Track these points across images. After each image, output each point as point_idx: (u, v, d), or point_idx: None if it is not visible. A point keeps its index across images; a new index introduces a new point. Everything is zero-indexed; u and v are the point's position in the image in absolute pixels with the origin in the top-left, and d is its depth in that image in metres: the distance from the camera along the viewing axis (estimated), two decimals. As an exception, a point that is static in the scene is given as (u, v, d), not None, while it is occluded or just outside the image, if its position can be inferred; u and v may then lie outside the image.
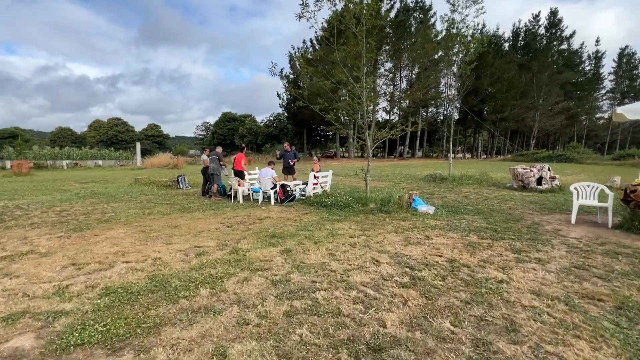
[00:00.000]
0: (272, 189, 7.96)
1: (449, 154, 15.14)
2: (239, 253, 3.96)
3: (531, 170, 11.17)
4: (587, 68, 51.40)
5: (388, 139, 48.30)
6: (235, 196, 8.39)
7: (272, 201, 7.90)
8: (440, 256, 3.83)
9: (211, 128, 77.72)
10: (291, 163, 10.09)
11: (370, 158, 7.93)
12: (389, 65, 43.72)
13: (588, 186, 5.98)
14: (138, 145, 29.51)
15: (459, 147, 64.03)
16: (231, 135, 67.95)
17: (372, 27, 7.85)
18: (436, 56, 39.07)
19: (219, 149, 8.80)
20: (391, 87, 45.65)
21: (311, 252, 3.98)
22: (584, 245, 4.32)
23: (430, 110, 53.36)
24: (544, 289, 2.89)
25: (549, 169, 11.30)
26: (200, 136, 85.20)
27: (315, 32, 6.67)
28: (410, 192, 7.38)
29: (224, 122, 71.02)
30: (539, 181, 11.17)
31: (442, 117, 53.66)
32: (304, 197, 8.22)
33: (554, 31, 47.51)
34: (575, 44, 49.23)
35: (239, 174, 8.76)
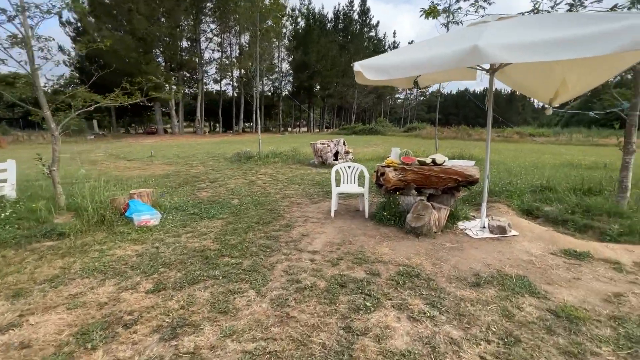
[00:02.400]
0: None
1: (257, 128, 13.41)
2: None
3: (328, 146, 10.69)
4: (389, 55, 62.32)
5: (222, 112, 44.49)
6: None
7: None
8: None
9: (-50, 92, 50.77)
10: None
11: (57, 139, 4.61)
12: (214, 26, 38.72)
13: (349, 167, 4.95)
14: None
15: (300, 122, 67.07)
16: (-8, 104, 46.32)
17: None
18: (265, 25, 37.16)
19: None
20: (220, 53, 41.06)
21: None
22: (312, 270, 2.84)
23: (266, 83, 52.25)
24: None
25: (344, 143, 11.15)
26: None
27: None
28: (132, 191, 4.70)
29: (-26, 84, 47.40)
30: (336, 156, 10.88)
31: (279, 91, 53.74)
32: None
33: (364, 18, 54.25)
34: (380, 33, 58.39)
35: None
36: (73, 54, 33.02)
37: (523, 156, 14.22)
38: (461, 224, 4.14)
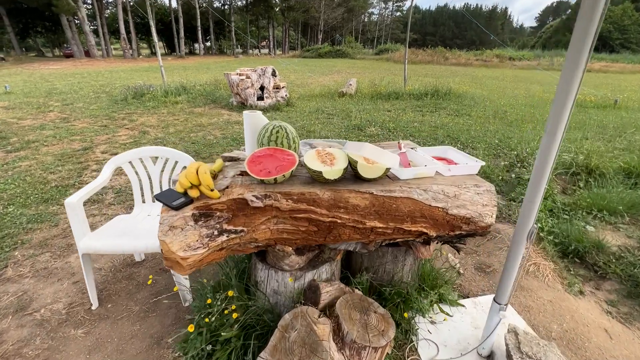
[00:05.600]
0: None
1: (156, 51, 9.29)
2: None
3: (249, 78, 7.20)
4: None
5: (162, 32, 36.36)
6: None
7: None
8: None
9: None
10: None
11: None
12: None
13: (158, 160, 1.91)
14: None
15: (264, 43, 58.14)
16: None
17: None
18: None
19: None
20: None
21: None
22: None
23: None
24: None
25: (273, 74, 7.66)
26: None
27: None
28: None
29: None
30: (262, 92, 7.50)
31: (231, 3, 44.53)
32: None
33: None
34: None
35: None
36: None
37: (509, 88, 11.48)
38: (425, 344, 1.48)
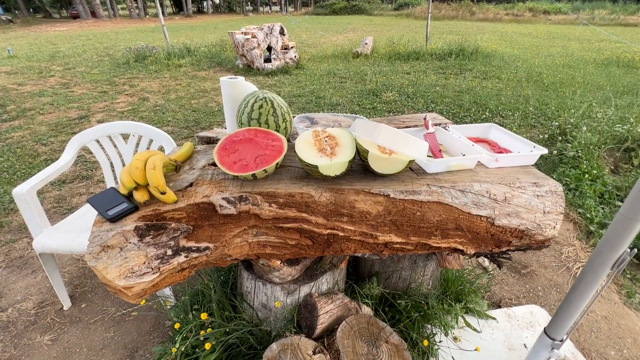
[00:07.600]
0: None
1: (158, 14, 8.63)
2: None
3: (254, 37, 6.60)
4: None
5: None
6: None
7: None
8: None
9: None
10: None
11: None
12: None
13: (125, 137, 1.62)
14: None
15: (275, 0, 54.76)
16: None
17: None
18: None
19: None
20: None
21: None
22: None
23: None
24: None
25: (281, 32, 6.99)
26: None
27: None
28: None
29: None
30: (269, 53, 6.91)
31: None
32: None
33: None
34: None
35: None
36: None
37: (544, 46, 10.31)
38: None
